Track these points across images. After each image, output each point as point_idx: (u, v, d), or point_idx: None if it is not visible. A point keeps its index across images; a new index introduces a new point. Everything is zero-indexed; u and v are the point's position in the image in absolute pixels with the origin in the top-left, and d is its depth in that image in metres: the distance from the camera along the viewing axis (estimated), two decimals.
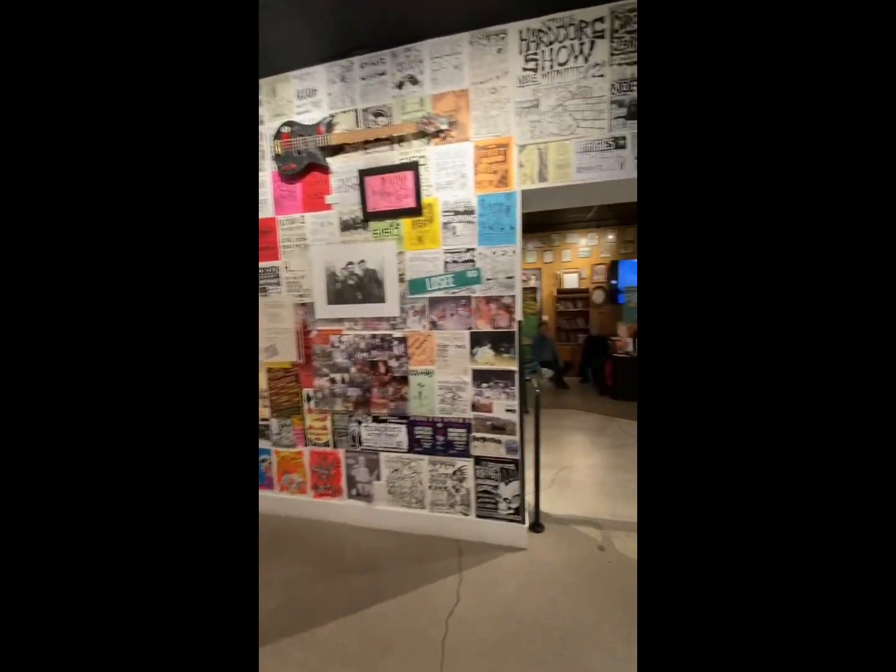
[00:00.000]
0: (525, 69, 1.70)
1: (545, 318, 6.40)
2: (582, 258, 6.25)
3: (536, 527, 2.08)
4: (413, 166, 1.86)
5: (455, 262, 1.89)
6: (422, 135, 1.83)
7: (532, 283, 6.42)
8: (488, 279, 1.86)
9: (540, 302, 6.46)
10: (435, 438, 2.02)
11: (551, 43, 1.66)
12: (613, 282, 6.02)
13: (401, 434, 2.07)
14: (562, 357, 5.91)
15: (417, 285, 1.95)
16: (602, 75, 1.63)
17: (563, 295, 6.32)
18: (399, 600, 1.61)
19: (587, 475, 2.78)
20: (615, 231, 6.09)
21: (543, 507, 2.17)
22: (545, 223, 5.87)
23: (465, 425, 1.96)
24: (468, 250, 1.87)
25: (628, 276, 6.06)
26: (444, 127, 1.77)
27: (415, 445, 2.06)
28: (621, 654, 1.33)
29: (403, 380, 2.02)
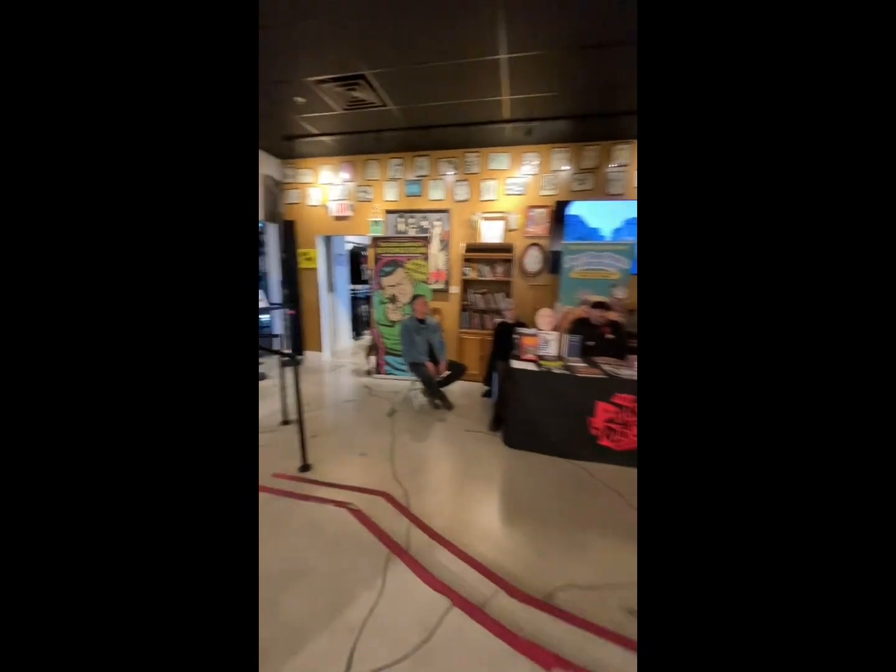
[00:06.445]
0: None
1: (455, 289, 4.14)
2: (512, 195, 3.88)
3: None
4: None
5: None
6: None
7: (438, 233, 4.10)
8: None
9: (447, 263, 4.16)
10: None
11: None
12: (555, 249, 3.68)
13: None
14: (449, 355, 3.71)
15: None
16: None
17: (475, 254, 3.99)
18: None
19: None
20: (570, 150, 3.67)
21: None
22: (457, 124, 3.40)
23: None
24: None
25: (580, 228, 3.71)
26: None
27: None
28: None
29: None
